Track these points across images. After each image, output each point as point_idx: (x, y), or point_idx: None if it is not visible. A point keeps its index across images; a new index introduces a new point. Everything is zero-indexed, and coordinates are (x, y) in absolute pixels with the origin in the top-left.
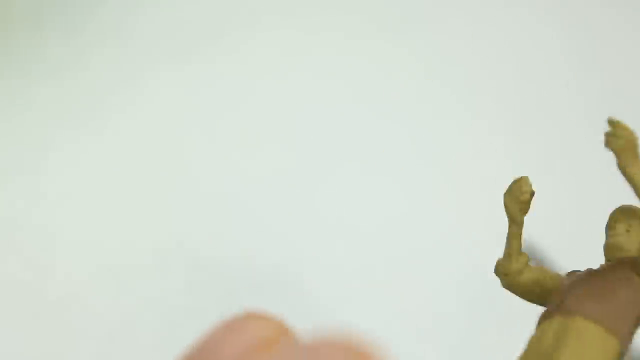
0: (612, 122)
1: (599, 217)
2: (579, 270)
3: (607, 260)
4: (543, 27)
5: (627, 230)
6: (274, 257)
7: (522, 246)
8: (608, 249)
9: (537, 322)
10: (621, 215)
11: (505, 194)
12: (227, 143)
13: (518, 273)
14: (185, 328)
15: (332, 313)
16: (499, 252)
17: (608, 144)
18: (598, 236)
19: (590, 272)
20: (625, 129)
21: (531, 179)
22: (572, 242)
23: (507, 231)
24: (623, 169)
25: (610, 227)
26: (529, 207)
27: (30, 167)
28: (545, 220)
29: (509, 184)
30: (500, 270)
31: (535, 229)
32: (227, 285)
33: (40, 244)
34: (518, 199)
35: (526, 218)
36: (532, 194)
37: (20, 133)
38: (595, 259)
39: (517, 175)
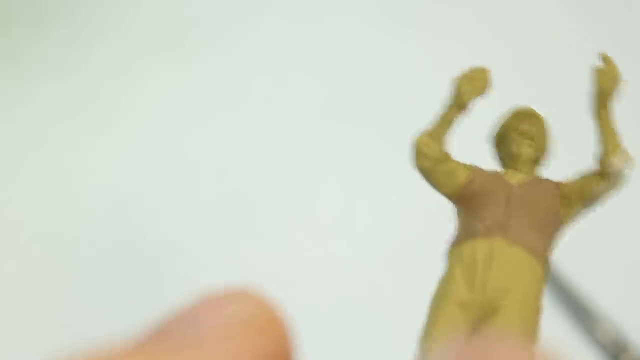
0: (605, 58)
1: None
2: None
3: (511, 167)
4: (553, 25)
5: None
6: (274, 256)
7: None
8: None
9: (454, 243)
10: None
11: (461, 77)
12: (226, 141)
13: (441, 160)
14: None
15: (331, 313)
16: None
17: (596, 78)
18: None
19: (506, 185)
20: (617, 68)
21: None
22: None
23: (442, 110)
24: (598, 110)
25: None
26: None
27: (30, 167)
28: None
29: (467, 69)
30: (423, 149)
31: None
32: (229, 283)
33: (40, 244)
34: (477, 87)
35: None
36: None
37: (20, 133)
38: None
39: None
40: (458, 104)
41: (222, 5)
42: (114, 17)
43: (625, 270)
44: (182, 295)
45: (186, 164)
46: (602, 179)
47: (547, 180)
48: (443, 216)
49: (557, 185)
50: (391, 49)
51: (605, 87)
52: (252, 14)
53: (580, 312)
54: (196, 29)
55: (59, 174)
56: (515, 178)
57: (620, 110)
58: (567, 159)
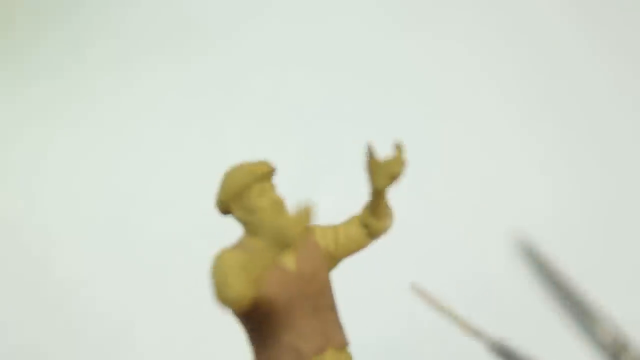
0: (400, 147)
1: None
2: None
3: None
4: (560, 23)
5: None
6: None
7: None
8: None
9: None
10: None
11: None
12: (226, 141)
13: (244, 297)
14: (186, 328)
15: None
16: (498, 252)
17: (394, 167)
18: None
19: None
20: (405, 157)
21: (532, 180)
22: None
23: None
24: (382, 191)
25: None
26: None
27: (30, 167)
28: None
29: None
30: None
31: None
32: None
33: (40, 244)
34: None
35: (528, 218)
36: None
37: (19, 133)
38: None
39: (517, 177)
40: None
41: (222, 6)
42: (114, 18)
43: (624, 269)
44: (187, 294)
45: (186, 164)
46: (373, 238)
47: (312, 244)
48: (443, 217)
49: (321, 248)
50: (391, 49)
51: (396, 174)
52: (252, 14)
53: (579, 311)
54: (196, 30)
55: (59, 174)
56: (289, 259)
57: (621, 110)
58: (567, 158)
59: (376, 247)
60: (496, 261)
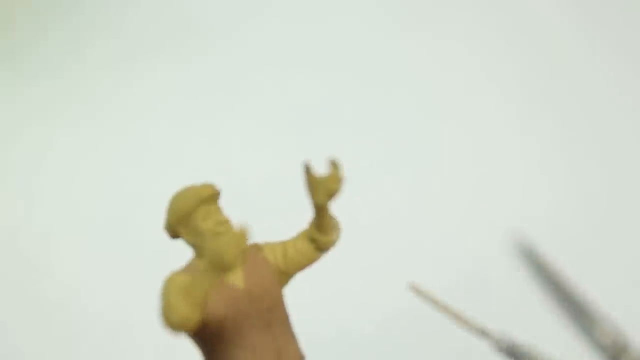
0: (335, 164)
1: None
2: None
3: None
4: (561, 21)
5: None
6: None
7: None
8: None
9: None
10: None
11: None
12: (226, 142)
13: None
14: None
15: (330, 312)
16: (496, 252)
17: (331, 184)
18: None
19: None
20: (341, 173)
21: (531, 179)
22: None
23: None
24: (323, 207)
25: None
26: None
27: (30, 167)
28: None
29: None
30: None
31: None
32: None
33: (40, 244)
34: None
35: (530, 218)
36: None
37: (19, 133)
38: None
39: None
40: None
41: (223, 6)
42: (114, 18)
43: (623, 268)
44: None
45: (186, 164)
46: (322, 251)
47: (261, 262)
48: (443, 217)
49: (270, 265)
50: (391, 50)
51: (334, 191)
52: (253, 14)
53: (578, 312)
54: (196, 30)
55: (59, 174)
56: (237, 277)
57: (620, 110)
58: (566, 158)
59: (376, 246)
60: (495, 261)
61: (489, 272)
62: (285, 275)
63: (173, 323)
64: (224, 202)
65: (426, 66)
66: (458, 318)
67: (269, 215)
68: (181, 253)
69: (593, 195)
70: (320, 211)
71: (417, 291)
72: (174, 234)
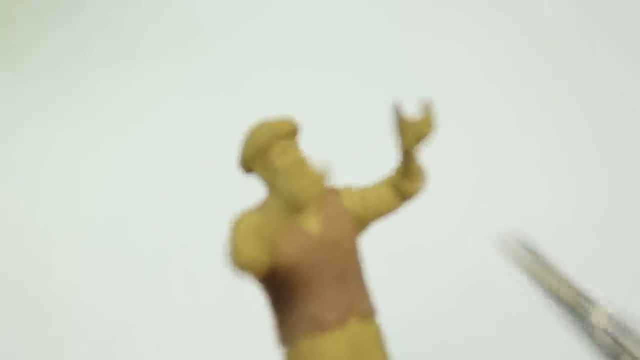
0: (428, 107)
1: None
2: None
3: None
4: (561, 19)
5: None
6: None
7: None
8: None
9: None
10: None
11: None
12: (226, 142)
13: (258, 260)
14: (185, 328)
15: None
16: (496, 251)
17: (422, 127)
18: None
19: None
20: (434, 117)
21: (531, 179)
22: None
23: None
24: (410, 151)
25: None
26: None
27: (30, 167)
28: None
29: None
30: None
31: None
32: (229, 285)
33: (40, 244)
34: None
35: (530, 218)
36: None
37: (19, 133)
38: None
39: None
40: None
41: (223, 7)
42: (115, 18)
43: (624, 270)
44: (187, 294)
45: (186, 164)
46: (405, 199)
47: (338, 207)
48: (444, 217)
49: (348, 211)
50: (391, 50)
51: (424, 135)
52: (253, 15)
53: (578, 311)
54: (196, 30)
55: (59, 174)
56: (313, 222)
57: (620, 109)
58: (566, 158)
59: (376, 246)
60: (495, 261)
61: (489, 272)
62: (362, 224)
63: (239, 264)
64: (224, 202)
65: (426, 66)
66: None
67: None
68: (182, 253)
69: (593, 195)
70: (407, 157)
71: (509, 245)
72: (247, 168)
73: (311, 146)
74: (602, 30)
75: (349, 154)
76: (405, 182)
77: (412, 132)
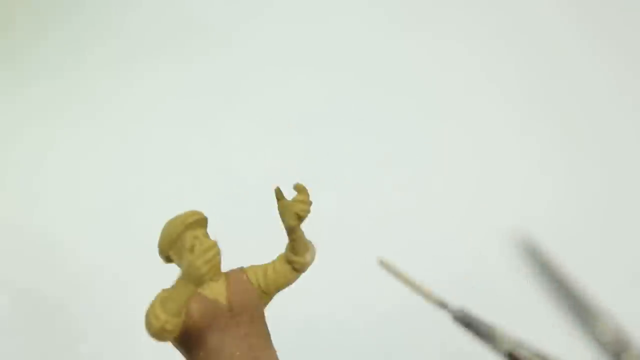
0: (302, 189)
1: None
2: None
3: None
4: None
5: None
6: (275, 251)
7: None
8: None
9: None
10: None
11: (196, 255)
12: (227, 143)
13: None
14: None
15: (330, 311)
16: (498, 251)
17: (299, 210)
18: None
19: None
20: (308, 196)
21: (531, 179)
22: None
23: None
24: (296, 229)
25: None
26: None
27: (30, 167)
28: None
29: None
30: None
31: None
32: None
33: (40, 245)
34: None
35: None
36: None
37: (19, 133)
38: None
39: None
40: (195, 282)
41: (224, 7)
42: (115, 18)
43: (624, 270)
44: None
45: (186, 165)
46: (297, 272)
47: (242, 282)
48: (444, 217)
49: (252, 285)
50: (391, 50)
51: (302, 214)
52: (253, 15)
53: (579, 309)
54: (197, 30)
55: (59, 175)
56: (217, 294)
57: (620, 109)
58: (566, 158)
59: (377, 246)
60: (495, 261)
61: (489, 271)
62: (266, 295)
63: (153, 330)
64: (224, 202)
65: (426, 66)
66: (420, 291)
67: (269, 215)
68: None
69: (593, 195)
70: (293, 234)
71: (386, 266)
72: (166, 258)
73: (311, 146)
74: (602, 30)
75: (348, 154)
76: (294, 256)
77: (292, 212)
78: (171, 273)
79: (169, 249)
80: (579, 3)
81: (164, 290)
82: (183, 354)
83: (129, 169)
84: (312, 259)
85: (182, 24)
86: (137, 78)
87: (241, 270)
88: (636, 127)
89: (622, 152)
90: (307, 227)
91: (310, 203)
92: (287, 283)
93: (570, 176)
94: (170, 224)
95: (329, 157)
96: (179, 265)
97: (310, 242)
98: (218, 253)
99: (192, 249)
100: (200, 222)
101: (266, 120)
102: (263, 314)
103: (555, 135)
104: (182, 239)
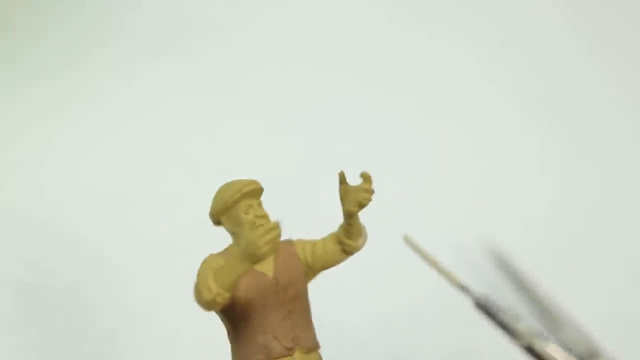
0: (366, 177)
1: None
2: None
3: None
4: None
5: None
6: None
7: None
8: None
9: None
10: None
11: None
12: (227, 143)
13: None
14: (185, 328)
15: (329, 311)
16: (498, 252)
17: (361, 198)
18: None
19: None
20: (372, 185)
21: (530, 179)
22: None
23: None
24: (354, 215)
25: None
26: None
27: (30, 167)
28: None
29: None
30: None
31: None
32: None
33: (40, 244)
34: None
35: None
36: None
37: (19, 133)
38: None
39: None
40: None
41: (224, 7)
42: (115, 18)
43: (624, 270)
44: (186, 294)
45: (186, 165)
46: (347, 254)
47: (291, 255)
48: (443, 217)
49: (300, 259)
50: (390, 50)
51: (363, 202)
52: (254, 15)
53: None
54: (197, 30)
55: (59, 175)
56: (268, 267)
57: (620, 110)
58: (566, 158)
59: (376, 246)
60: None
61: (489, 271)
62: (311, 271)
63: (203, 300)
64: None
65: (426, 66)
66: (443, 272)
67: (272, 215)
68: (182, 253)
69: (593, 195)
70: (350, 218)
71: (411, 244)
72: (216, 221)
73: (311, 146)
74: (602, 31)
75: (348, 154)
76: (347, 239)
77: (352, 199)
78: (171, 273)
79: (222, 214)
80: (578, 3)
81: (212, 256)
82: (225, 324)
83: (129, 168)
84: (363, 245)
85: (182, 24)
86: (137, 78)
87: (290, 243)
88: (636, 127)
89: (622, 152)
90: (307, 227)
91: (373, 192)
92: (334, 263)
93: (570, 176)
94: (226, 190)
95: (328, 157)
96: (227, 230)
97: (364, 228)
98: (280, 235)
99: (253, 226)
100: (257, 192)
101: (266, 120)
102: (307, 289)
103: (555, 136)
104: (237, 206)
